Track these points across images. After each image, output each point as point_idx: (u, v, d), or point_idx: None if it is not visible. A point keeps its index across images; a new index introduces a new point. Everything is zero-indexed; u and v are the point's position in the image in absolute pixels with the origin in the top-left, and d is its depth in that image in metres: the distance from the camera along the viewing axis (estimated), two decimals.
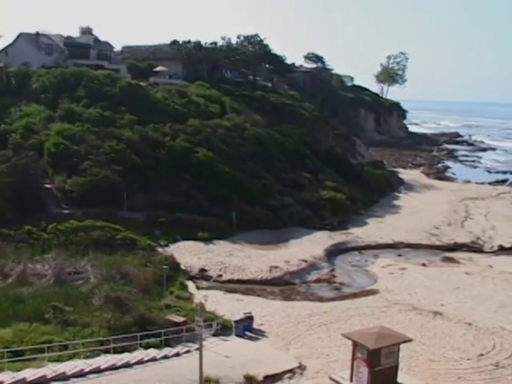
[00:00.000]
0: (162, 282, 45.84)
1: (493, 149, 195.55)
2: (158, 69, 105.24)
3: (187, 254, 55.36)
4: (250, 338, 39.39)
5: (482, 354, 38.22)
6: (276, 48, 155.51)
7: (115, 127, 71.42)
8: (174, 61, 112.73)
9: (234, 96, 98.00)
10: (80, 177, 61.78)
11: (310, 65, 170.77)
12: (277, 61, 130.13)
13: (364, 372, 31.62)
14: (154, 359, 34.48)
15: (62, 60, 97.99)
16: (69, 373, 30.96)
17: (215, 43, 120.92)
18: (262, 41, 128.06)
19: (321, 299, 48.75)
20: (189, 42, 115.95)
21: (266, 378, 33.45)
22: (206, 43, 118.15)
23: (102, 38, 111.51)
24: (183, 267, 52.00)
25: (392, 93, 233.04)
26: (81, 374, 31.27)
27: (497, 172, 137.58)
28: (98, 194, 59.73)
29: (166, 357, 35.11)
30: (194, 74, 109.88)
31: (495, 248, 67.17)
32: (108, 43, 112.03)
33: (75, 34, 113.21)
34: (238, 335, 39.46)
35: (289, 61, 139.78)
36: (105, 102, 76.48)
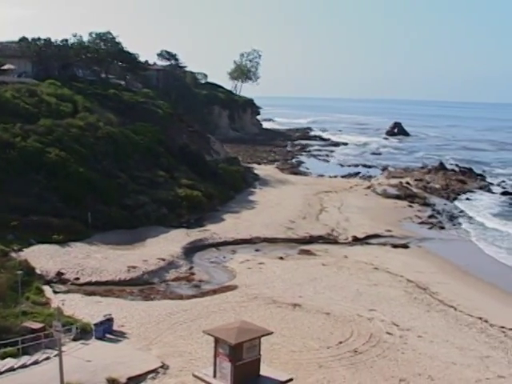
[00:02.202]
0: (16, 287, 44.19)
1: (345, 143, 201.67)
2: (6, 67, 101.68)
3: (42, 257, 53.82)
4: (111, 340, 38.87)
5: (340, 342, 39.70)
6: (129, 46, 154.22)
7: None
8: (22, 59, 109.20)
9: (86, 95, 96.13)
10: None
11: (164, 62, 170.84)
12: (130, 59, 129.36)
13: (227, 367, 31.94)
14: (11, 369, 33.48)
15: None
16: None
17: (66, 40, 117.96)
18: (114, 38, 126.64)
19: (181, 297, 48.71)
20: (38, 39, 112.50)
21: (130, 379, 33.26)
22: (56, 41, 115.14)
23: None
24: (39, 271, 50.46)
25: (246, 89, 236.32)
26: None
27: (349, 165, 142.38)
28: None
29: (24, 365, 34.11)
30: (45, 73, 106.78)
31: (349, 239, 69.61)
32: None
33: None
34: (98, 338, 38.83)
35: (142, 58, 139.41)
36: None
